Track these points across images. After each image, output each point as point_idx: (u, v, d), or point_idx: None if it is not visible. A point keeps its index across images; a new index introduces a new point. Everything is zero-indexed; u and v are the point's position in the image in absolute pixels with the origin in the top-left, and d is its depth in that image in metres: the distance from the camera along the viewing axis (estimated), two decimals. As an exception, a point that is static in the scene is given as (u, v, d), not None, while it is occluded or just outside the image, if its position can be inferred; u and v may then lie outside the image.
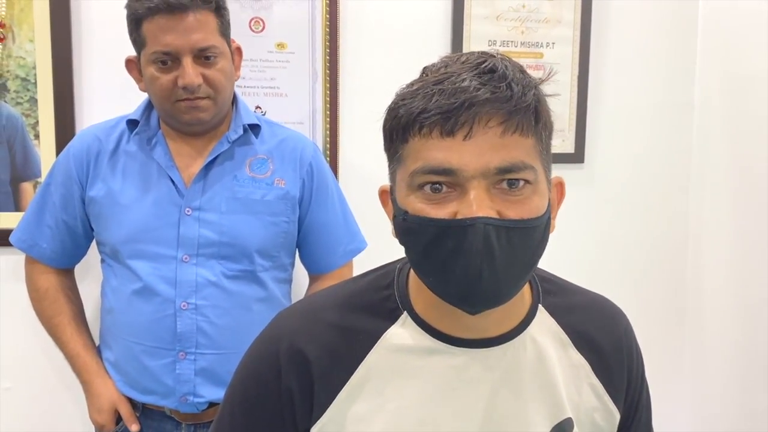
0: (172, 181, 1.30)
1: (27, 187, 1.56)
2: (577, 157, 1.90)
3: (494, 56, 0.70)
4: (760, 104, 1.74)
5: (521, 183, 0.68)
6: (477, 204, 0.66)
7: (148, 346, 1.29)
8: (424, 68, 0.73)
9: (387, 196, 0.78)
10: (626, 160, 1.95)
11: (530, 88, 0.69)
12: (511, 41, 1.82)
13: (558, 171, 2.04)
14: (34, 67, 1.54)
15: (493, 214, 0.67)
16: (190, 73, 1.21)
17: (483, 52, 0.72)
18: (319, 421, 0.78)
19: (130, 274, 1.30)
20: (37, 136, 1.55)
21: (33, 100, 1.54)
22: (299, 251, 1.46)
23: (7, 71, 1.53)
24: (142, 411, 1.35)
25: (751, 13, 1.77)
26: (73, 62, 1.56)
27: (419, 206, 0.69)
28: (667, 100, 1.96)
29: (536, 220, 0.69)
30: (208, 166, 1.31)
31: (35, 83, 1.54)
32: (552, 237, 0.76)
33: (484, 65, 0.69)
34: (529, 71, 0.72)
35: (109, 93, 1.57)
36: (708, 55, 1.94)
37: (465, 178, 0.67)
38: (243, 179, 1.33)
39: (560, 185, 0.79)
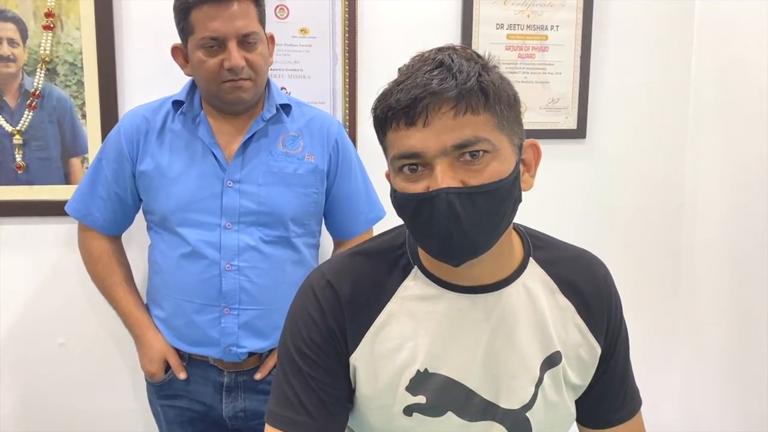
0: (215, 157, 1.39)
1: (75, 162, 1.67)
2: (579, 132, 1.96)
3: (448, 49, 0.82)
4: (752, 82, 1.78)
5: (480, 153, 0.79)
6: (441, 177, 0.78)
7: (196, 303, 1.40)
8: (399, 68, 0.84)
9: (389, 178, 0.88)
10: (625, 135, 2.01)
11: (474, 74, 0.79)
12: (518, 24, 1.88)
13: (561, 146, 2.16)
14: (81, 53, 1.63)
15: (456, 184, 0.78)
16: (236, 56, 1.31)
17: (440, 49, 0.83)
18: (351, 358, 0.91)
19: (178, 239, 1.40)
20: (84, 116, 1.66)
21: (80, 83, 1.65)
22: (325, 219, 1.55)
23: (57, 57, 1.63)
24: (189, 361, 1.46)
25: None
26: (116, 48, 1.66)
27: (402, 184, 0.82)
28: (664, 78, 2.00)
29: (497, 182, 0.80)
30: (246, 143, 1.40)
31: (82, 67, 1.64)
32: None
33: (435, 60, 0.80)
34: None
35: (149, 76, 1.66)
36: (703, 35, 1.97)
37: (430, 158, 0.79)
38: (277, 155, 1.42)
39: (534, 146, 0.88)
